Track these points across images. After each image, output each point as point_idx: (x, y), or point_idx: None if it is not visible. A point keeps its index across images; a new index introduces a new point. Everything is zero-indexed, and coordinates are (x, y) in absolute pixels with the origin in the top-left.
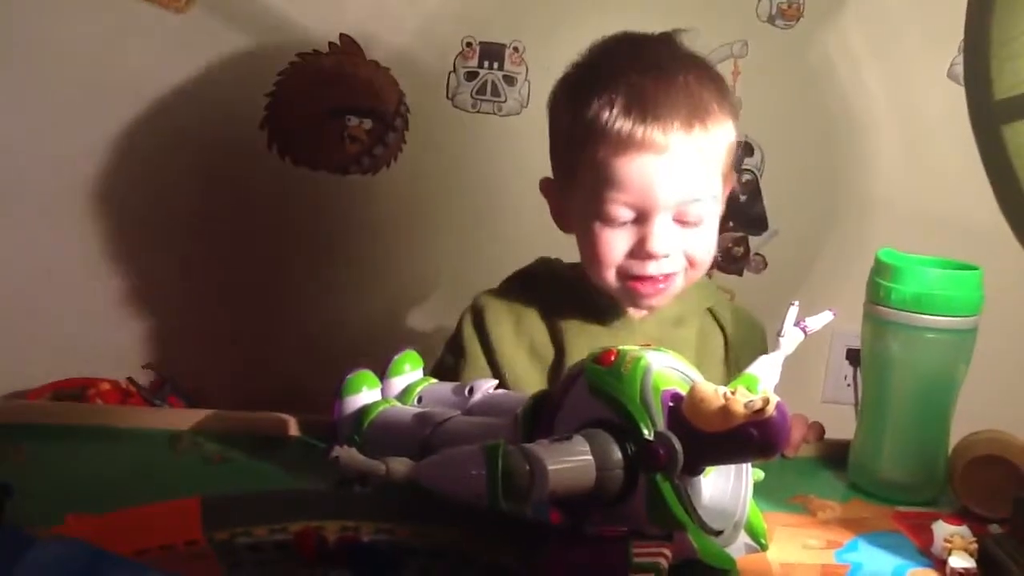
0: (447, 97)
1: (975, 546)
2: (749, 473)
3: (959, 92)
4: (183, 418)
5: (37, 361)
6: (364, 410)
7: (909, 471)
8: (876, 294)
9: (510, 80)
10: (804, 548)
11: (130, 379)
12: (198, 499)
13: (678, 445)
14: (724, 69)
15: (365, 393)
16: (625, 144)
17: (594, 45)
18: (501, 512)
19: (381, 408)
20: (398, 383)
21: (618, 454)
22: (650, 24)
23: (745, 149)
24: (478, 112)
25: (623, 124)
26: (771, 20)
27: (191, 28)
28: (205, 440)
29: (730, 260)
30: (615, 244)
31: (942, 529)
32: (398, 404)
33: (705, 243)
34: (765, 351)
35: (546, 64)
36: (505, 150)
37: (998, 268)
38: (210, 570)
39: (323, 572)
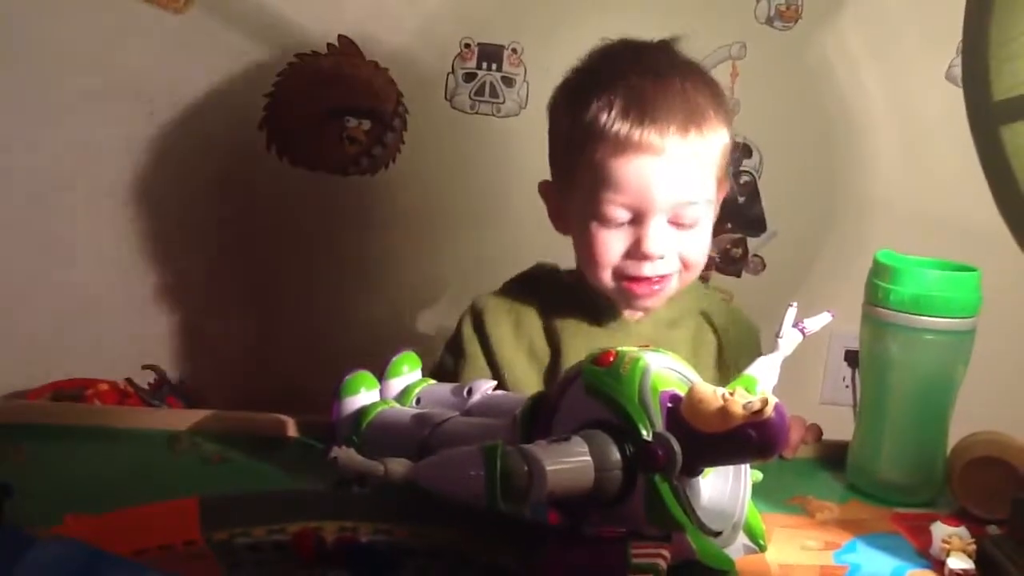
0: (445, 98)
1: (973, 547)
2: (748, 474)
3: (957, 93)
4: (182, 419)
5: (36, 362)
6: (363, 411)
7: (907, 472)
8: (874, 295)
9: (508, 81)
10: (802, 549)
11: (129, 380)
12: (197, 499)
13: (677, 446)
14: (723, 70)
15: (364, 394)
16: (623, 146)
17: (593, 51)
18: (499, 513)
19: (379, 409)
20: (396, 384)
21: (616, 455)
22: (649, 25)
23: (743, 150)
24: (476, 113)
25: (621, 126)
26: (769, 22)
27: (190, 29)
28: (204, 440)
29: (729, 261)
30: (612, 245)
31: (940, 530)
32: (396, 405)
33: (699, 245)
34: (759, 353)
35: (544, 65)
36: (503, 151)
37: (997, 269)
38: (209, 570)
39: (321, 572)
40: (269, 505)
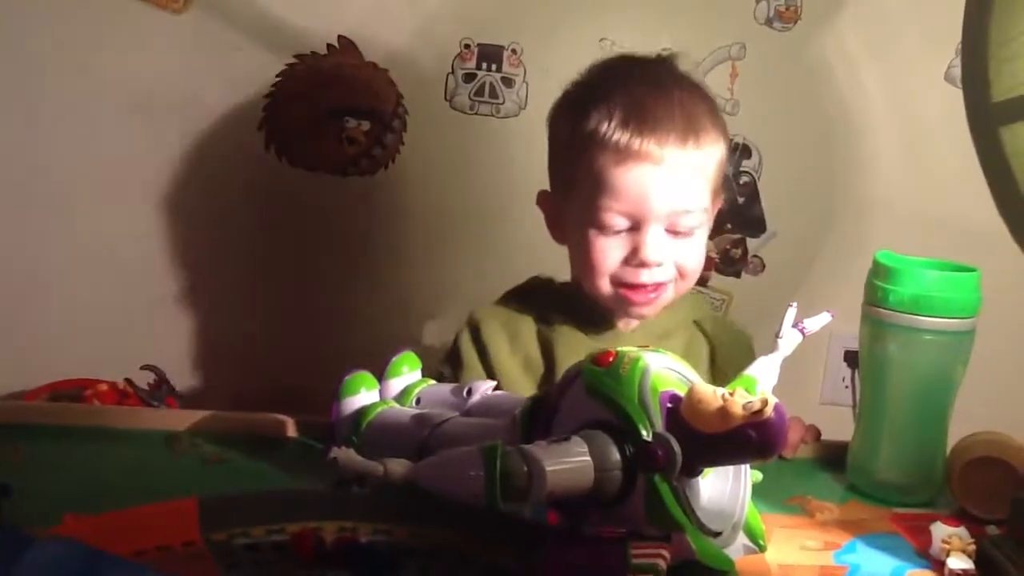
0: (445, 99)
1: (973, 547)
2: (747, 474)
3: (957, 94)
4: (181, 419)
5: (35, 362)
6: (362, 411)
7: (907, 472)
8: (874, 296)
9: (508, 82)
10: (802, 549)
11: (128, 380)
12: (195, 500)
13: (676, 446)
14: (722, 71)
15: (363, 394)
16: (622, 154)
17: (593, 65)
18: (499, 513)
19: (379, 409)
20: (396, 384)
21: (616, 455)
22: (647, 26)
23: (743, 151)
24: (476, 114)
25: (621, 135)
26: (769, 23)
27: (189, 29)
28: (203, 441)
29: (728, 262)
30: (609, 252)
31: (940, 530)
32: (396, 405)
33: (695, 254)
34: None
35: (544, 66)
36: (503, 152)
37: (996, 270)
38: (208, 571)
39: (321, 573)
40: (268, 505)
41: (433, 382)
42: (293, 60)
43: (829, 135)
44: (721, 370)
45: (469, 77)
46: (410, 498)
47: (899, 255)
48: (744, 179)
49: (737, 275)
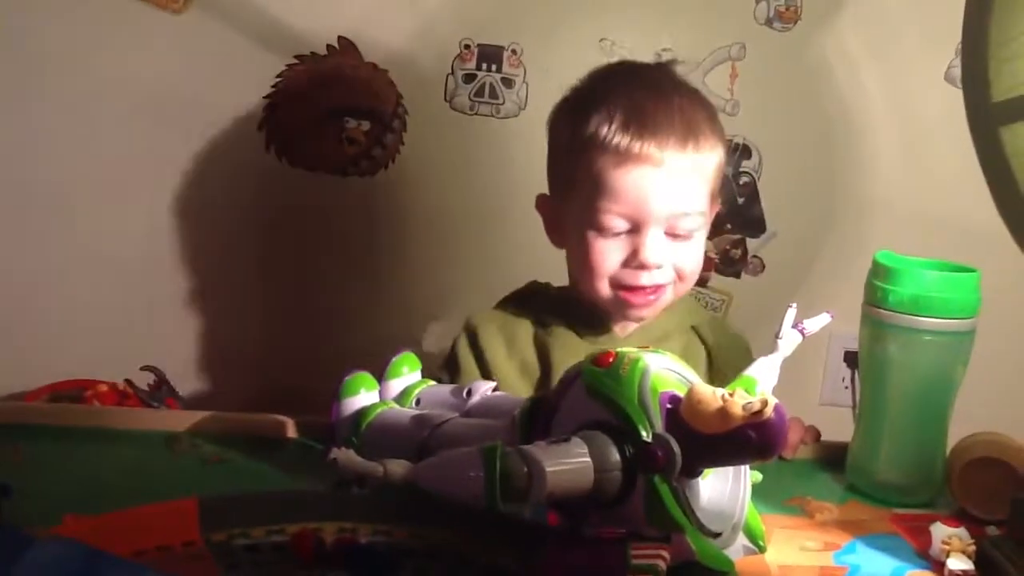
0: (445, 99)
1: (973, 548)
2: (747, 475)
3: (956, 94)
4: (181, 419)
5: (35, 363)
6: (362, 412)
7: (907, 473)
8: (874, 296)
9: (508, 82)
10: (802, 550)
11: (128, 381)
12: (195, 500)
13: (676, 447)
14: (722, 71)
15: (363, 395)
16: (623, 156)
17: (593, 71)
18: (499, 514)
19: (379, 410)
20: (396, 385)
21: (616, 456)
22: (647, 26)
23: (743, 151)
24: (476, 114)
25: (621, 138)
26: (769, 23)
27: (188, 29)
28: (203, 441)
29: (728, 262)
30: (609, 254)
31: (940, 531)
32: (396, 406)
33: (694, 257)
34: None
35: (544, 66)
36: (503, 152)
37: (996, 270)
38: (207, 571)
39: (320, 573)
40: (268, 506)
41: (433, 383)
42: (293, 60)
43: (829, 135)
44: (719, 374)
45: (469, 78)
46: (410, 499)
47: (899, 255)
48: (744, 179)
49: (737, 275)
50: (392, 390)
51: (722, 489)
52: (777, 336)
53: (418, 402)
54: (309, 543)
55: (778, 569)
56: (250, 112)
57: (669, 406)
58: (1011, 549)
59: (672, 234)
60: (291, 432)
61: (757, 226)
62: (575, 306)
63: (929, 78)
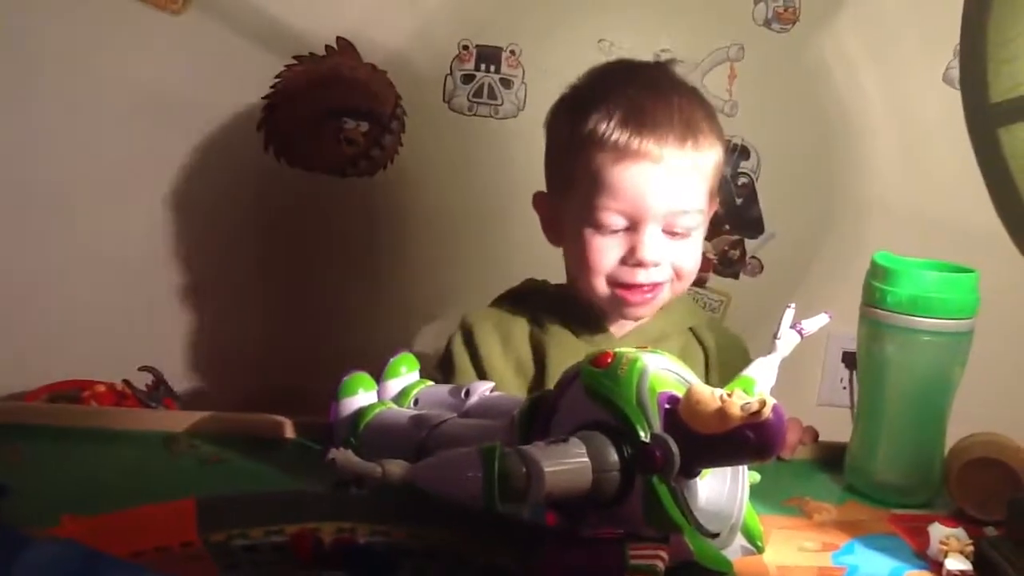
0: (443, 100)
1: (971, 548)
2: (745, 475)
3: (955, 95)
4: (179, 420)
5: (34, 363)
6: (360, 412)
7: (905, 473)
8: (872, 297)
9: (507, 83)
10: (800, 550)
11: (126, 381)
12: (194, 500)
13: (674, 447)
14: (720, 72)
15: (361, 395)
16: (621, 153)
17: (592, 70)
18: (497, 514)
19: (377, 410)
20: (394, 385)
21: (614, 456)
22: (646, 27)
23: (741, 152)
24: (474, 115)
25: (620, 135)
26: (767, 24)
27: (187, 30)
28: (201, 442)
29: (726, 263)
30: (606, 251)
31: (938, 531)
32: (394, 406)
33: (692, 256)
34: None
35: (543, 67)
36: (501, 153)
37: (994, 271)
38: (206, 571)
39: (319, 574)
40: (267, 506)
41: (431, 383)
42: (292, 61)
43: (827, 136)
44: (717, 375)
45: (467, 78)
46: (408, 499)
47: (897, 256)
48: (742, 180)
49: (735, 276)
50: (390, 390)
51: (720, 489)
52: (775, 336)
53: (416, 402)
54: (308, 543)
55: (776, 569)
56: (249, 112)
57: (667, 406)
58: (1009, 549)
59: (670, 232)
60: (289, 432)
61: (755, 227)
62: (572, 305)
63: (927, 79)
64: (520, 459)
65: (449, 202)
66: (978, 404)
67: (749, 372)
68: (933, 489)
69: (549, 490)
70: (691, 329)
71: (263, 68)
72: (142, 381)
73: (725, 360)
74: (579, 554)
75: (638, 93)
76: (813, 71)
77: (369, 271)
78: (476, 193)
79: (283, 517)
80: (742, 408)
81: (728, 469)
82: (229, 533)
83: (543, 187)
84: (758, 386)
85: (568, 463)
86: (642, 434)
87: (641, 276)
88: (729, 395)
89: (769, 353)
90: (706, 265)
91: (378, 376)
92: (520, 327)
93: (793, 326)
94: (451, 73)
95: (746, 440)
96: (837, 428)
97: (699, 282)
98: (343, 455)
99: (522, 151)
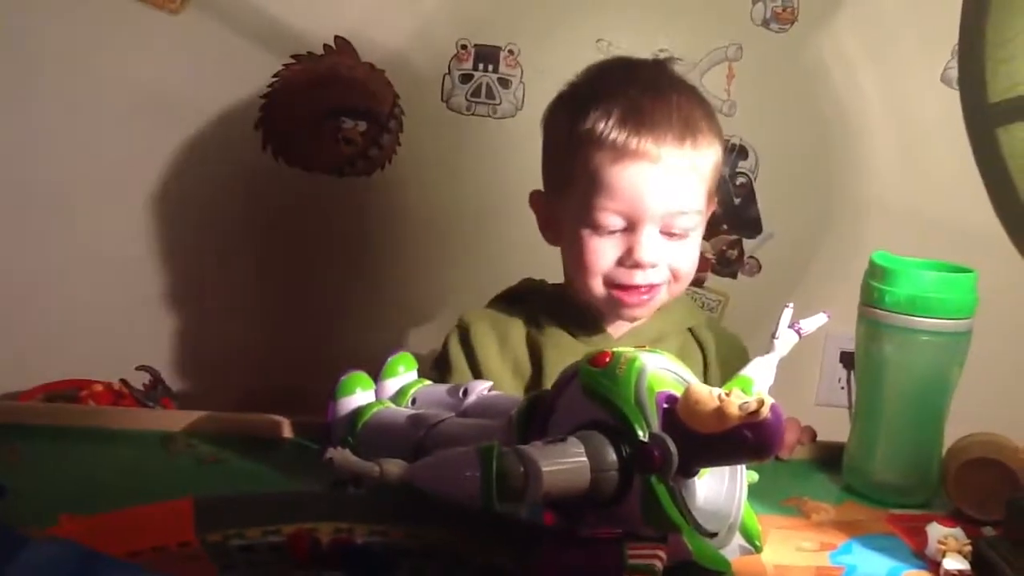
0: (442, 99)
1: (969, 548)
2: (743, 475)
3: (953, 95)
4: (176, 419)
5: (31, 362)
6: (358, 412)
7: (903, 473)
8: (870, 296)
9: (505, 83)
10: (798, 550)
11: (123, 381)
12: (191, 500)
13: (673, 447)
14: (719, 72)
15: (359, 395)
16: (619, 153)
17: (590, 67)
18: (495, 514)
19: (375, 410)
20: (392, 385)
21: (613, 456)
22: (644, 27)
23: (739, 152)
24: (473, 115)
25: (619, 134)
26: (765, 24)
27: (185, 29)
28: (199, 441)
29: (724, 263)
30: (603, 252)
31: (936, 531)
32: (392, 406)
33: (689, 257)
34: None
35: (541, 67)
36: (499, 152)
37: (992, 271)
38: (203, 571)
39: (316, 574)
40: (264, 506)
41: (429, 383)
42: (290, 60)
43: (826, 136)
44: (716, 376)
45: (466, 78)
46: (406, 499)
47: (895, 256)
48: (740, 180)
49: (733, 276)
50: (388, 390)
51: (718, 489)
52: (773, 336)
53: (414, 402)
54: (305, 543)
55: (774, 569)
56: (247, 111)
57: (666, 406)
58: (1007, 549)
59: (668, 233)
60: (287, 432)
61: (753, 227)
62: (569, 305)
63: (926, 79)
64: (518, 458)
65: (447, 201)
66: (976, 404)
67: (747, 372)
68: (931, 489)
69: (547, 490)
70: (690, 329)
71: (261, 67)
72: (139, 381)
73: (724, 360)
74: (577, 554)
75: (637, 92)
76: (811, 71)
77: (367, 270)
78: (474, 192)
79: (280, 517)
80: (740, 408)
81: (726, 469)
82: (226, 533)
83: (541, 186)
84: (756, 386)
85: (566, 463)
86: (640, 433)
87: (638, 277)
88: (727, 395)
89: (767, 353)
90: (704, 265)
91: (376, 375)
92: (517, 328)
93: (791, 326)
94: (449, 72)
95: (744, 440)
96: (835, 428)
97: (697, 282)
98: (341, 455)
99: (520, 151)
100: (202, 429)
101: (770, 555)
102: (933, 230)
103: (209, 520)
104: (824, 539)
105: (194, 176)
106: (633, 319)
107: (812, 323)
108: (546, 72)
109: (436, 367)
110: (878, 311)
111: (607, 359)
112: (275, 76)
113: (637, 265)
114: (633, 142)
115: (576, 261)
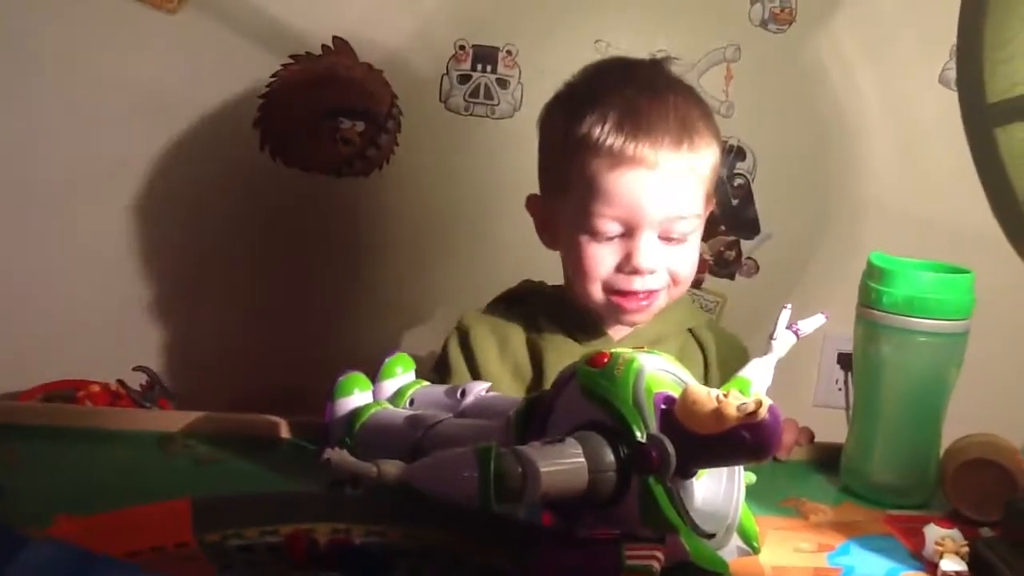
0: (440, 100)
1: (966, 549)
2: (741, 476)
3: (951, 96)
4: (174, 420)
5: (28, 363)
6: (356, 412)
7: (901, 474)
8: (868, 297)
9: (503, 83)
10: (796, 551)
11: (120, 381)
12: (188, 501)
13: (671, 447)
14: (717, 73)
15: (357, 395)
16: (616, 158)
17: (587, 67)
18: (493, 514)
19: (373, 410)
20: (390, 385)
21: (611, 456)
22: (643, 28)
23: (737, 153)
24: (471, 115)
25: (615, 139)
26: (764, 24)
27: (183, 29)
28: (196, 442)
29: (722, 264)
30: (602, 258)
31: (934, 532)
32: (390, 406)
33: (688, 261)
34: None
35: (539, 67)
36: (498, 153)
37: (990, 271)
38: (201, 572)
39: (314, 574)
40: (262, 507)
41: (427, 383)
42: (288, 60)
43: (824, 137)
44: (716, 377)
45: (464, 78)
46: (404, 499)
47: (893, 257)
48: (738, 181)
49: (731, 277)
50: (386, 390)
51: (716, 490)
52: (771, 337)
53: (412, 402)
54: (303, 544)
55: (772, 570)
56: (245, 111)
57: (664, 407)
58: (1005, 550)
59: (667, 238)
60: (284, 433)
61: (751, 228)
62: (569, 308)
63: (924, 80)
64: (516, 459)
65: (445, 202)
66: (974, 405)
67: (745, 373)
68: (929, 490)
69: (545, 490)
70: (690, 330)
71: (259, 67)
72: (137, 381)
73: (724, 361)
74: (575, 554)
75: (633, 93)
76: (809, 72)
77: (365, 270)
78: (472, 193)
79: (278, 517)
80: (738, 408)
81: (724, 470)
82: (224, 533)
83: (537, 188)
84: (754, 387)
85: (564, 463)
86: (638, 434)
87: (637, 283)
88: (725, 395)
89: (765, 354)
90: (702, 266)
91: (374, 376)
92: (517, 331)
93: (789, 327)
94: (447, 73)
95: (742, 441)
96: (833, 429)
97: (695, 283)
98: (338, 455)
99: (518, 152)
100: (199, 430)
101: (768, 556)
102: (931, 231)
103: (207, 520)
104: (822, 540)
105: (192, 176)
106: (633, 324)
107: (810, 324)
108: (545, 73)
109: (436, 370)
110: (876, 312)
111: (605, 360)
112: (273, 76)
113: (636, 271)
114: (630, 147)
115: (575, 267)
